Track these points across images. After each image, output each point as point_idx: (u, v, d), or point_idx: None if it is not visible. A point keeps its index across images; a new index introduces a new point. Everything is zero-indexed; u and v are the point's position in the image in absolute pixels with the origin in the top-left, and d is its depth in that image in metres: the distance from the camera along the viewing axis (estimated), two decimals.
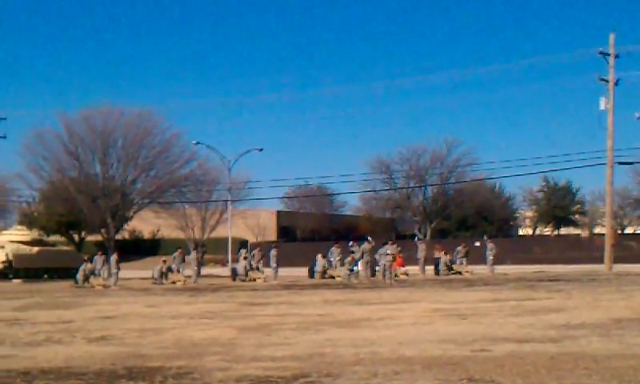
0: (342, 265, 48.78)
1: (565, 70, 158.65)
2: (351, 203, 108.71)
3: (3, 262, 53.48)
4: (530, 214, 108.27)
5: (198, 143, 71.10)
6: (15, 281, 51.66)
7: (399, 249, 50.03)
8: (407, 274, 48.24)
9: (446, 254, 52.37)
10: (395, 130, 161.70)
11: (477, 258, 54.57)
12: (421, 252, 51.78)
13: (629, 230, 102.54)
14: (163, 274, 46.78)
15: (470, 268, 51.12)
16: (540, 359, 12.41)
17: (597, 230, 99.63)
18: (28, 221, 76.82)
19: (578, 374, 11.07)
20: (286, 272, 52.59)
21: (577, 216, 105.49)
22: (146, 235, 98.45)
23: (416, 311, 22.60)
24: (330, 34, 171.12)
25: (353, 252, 49.16)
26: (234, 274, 49.88)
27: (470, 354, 13.16)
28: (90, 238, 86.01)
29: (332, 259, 50.96)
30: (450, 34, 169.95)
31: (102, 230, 66.78)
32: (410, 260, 52.92)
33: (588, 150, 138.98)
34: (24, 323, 20.93)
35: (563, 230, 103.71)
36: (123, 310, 25.28)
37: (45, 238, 64.06)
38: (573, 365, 11.81)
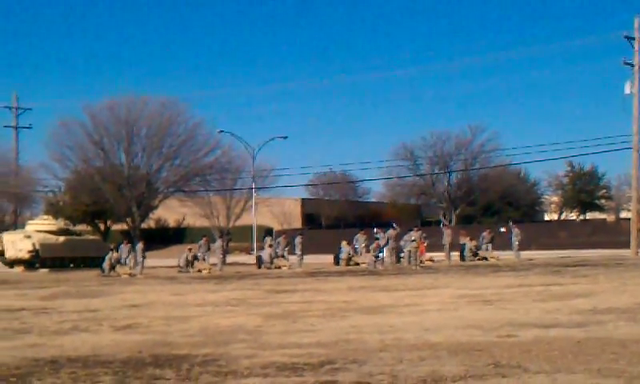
0: (368, 251, 48.78)
1: (590, 55, 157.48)
2: (376, 190, 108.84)
3: (30, 252, 53.71)
4: (555, 199, 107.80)
5: (222, 131, 71.21)
6: (42, 270, 51.90)
7: (424, 235, 50.00)
8: (433, 260, 48.19)
9: (471, 239, 52.28)
10: (419, 117, 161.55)
11: (502, 243, 54.46)
12: (446, 238, 51.68)
13: None
14: (189, 263, 46.87)
15: (495, 254, 51.02)
16: (567, 344, 12.36)
17: (623, 215, 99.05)
18: (54, 210, 77.14)
19: (605, 358, 11.02)
20: (311, 259, 52.61)
21: (602, 201, 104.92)
22: (172, 224, 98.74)
23: (441, 297, 22.56)
24: (354, 21, 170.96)
25: (378, 239, 49.12)
26: (260, 261, 49.95)
27: (496, 340, 13.13)
28: (116, 226, 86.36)
29: (357, 246, 50.98)
30: (474, 19, 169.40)
31: (128, 219, 67.06)
32: (436, 246, 52.85)
33: (613, 135, 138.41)
34: (51, 312, 21.02)
35: (589, 215, 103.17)
36: (149, 299, 25.36)
37: (71, 227, 64.20)
38: (600, 350, 11.76)
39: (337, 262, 50.23)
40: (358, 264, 48.70)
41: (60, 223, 60.45)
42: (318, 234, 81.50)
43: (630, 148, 56.26)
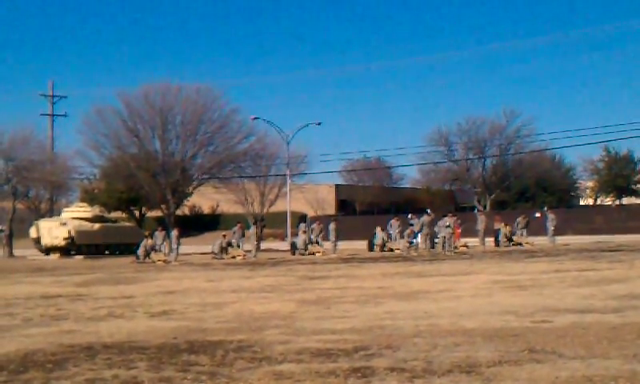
0: (402, 237, 48.74)
1: (626, 38, 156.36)
2: (410, 176, 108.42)
3: (66, 239, 54.13)
4: (590, 184, 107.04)
5: (256, 118, 71.23)
6: (77, 257, 52.29)
7: (459, 221, 49.86)
8: (467, 246, 48.04)
9: (505, 225, 52.05)
10: (454, 102, 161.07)
11: (537, 228, 54.18)
12: (480, 223, 51.48)
13: None
14: (223, 249, 47.02)
15: (530, 239, 50.78)
16: (602, 330, 12.30)
17: None
18: (89, 198, 77.63)
19: None
20: (345, 245, 52.63)
21: (639, 185, 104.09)
22: (206, 210, 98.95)
23: (476, 283, 22.51)
24: (390, 4, 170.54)
25: (412, 224, 49.07)
26: (293, 247, 50.01)
27: (530, 326, 13.08)
28: (151, 213, 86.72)
29: (391, 232, 50.94)
30: (510, 3, 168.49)
31: (162, 206, 67.20)
32: (470, 232, 52.70)
33: None
34: (86, 298, 21.17)
35: (625, 200, 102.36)
36: (184, 285, 25.48)
37: (106, 214, 64.67)
38: (635, 335, 11.70)
39: (371, 248, 50.22)
40: (392, 250, 48.66)
41: (95, 210, 60.86)
42: (352, 220, 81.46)
43: None
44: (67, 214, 57.99)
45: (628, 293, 17.87)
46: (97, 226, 56.41)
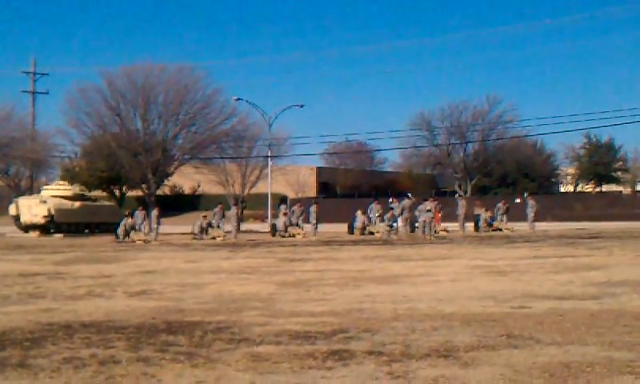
0: (382, 221, 48.79)
1: (609, 26, 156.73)
2: (391, 159, 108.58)
3: (45, 217, 53.95)
4: (571, 170, 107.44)
5: (238, 99, 71.14)
6: (57, 235, 52.13)
7: (439, 206, 49.93)
8: (447, 231, 48.13)
9: (486, 210, 52.15)
10: (437, 87, 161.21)
11: (517, 214, 54.32)
12: (461, 208, 51.55)
13: None
14: (203, 230, 46.98)
15: (510, 225, 50.92)
16: (580, 316, 12.35)
17: (639, 188, 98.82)
18: (70, 176, 77.31)
19: (619, 331, 11.01)
20: (326, 228, 52.66)
21: (619, 173, 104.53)
22: (187, 191, 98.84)
23: (455, 268, 22.56)
24: None
25: (392, 208, 49.10)
26: (274, 229, 49.99)
27: (509, 311, 13.12)
28: (131, 193, 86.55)
29: (372, 215, 50.95)
30: None
31: (143, 186, 67.04)
32: (450, 217, 52.80)
33: (631, 107, 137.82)
34: (65, 277, 21.12)
35: (605, 187, 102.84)
36: (163, 265, 25.45)
37: (86, 193, 64.39)
38: (613, 322, 11.75)
39: (351, 231, 50.25)
40: (372, 233, 48.71)
41: (75, 189, 60.65)
42: (333, 202, 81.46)
43: None
44: (47, 191, 57.80)
45: (606, 280, 17.95)
46: (77, 204, 56.24)
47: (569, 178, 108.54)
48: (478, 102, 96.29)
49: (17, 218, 55.40)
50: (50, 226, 54.02)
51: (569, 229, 50.89)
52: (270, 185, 70.28)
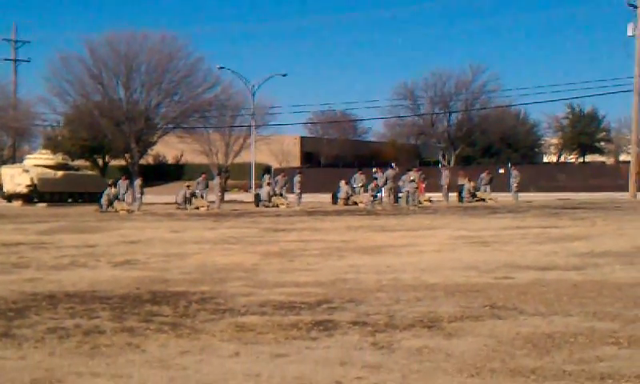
0: (366, 191, 48.82)
1: None
2: (375, 129, 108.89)
3: (28, 186, 53.76)
4: (554, 141, 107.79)
5: (221, 68, 70.99)
6: (40, 205, 51.98)
7: (423, 176, 50.01)
8: (431, 201, 48.18)
9: (469, 180, 52.19)
10: (420, 56, 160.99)
11: (501, 185, 54.42)
12: (444, 179, 51.59)
13: None
14: (187, 199, 46.88)
15: (493, 195, 50.99)
16: (563, 287, 12.41)
17: (622, 158, 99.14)
18: (52, 145, 77.03)
19: (601, 301, 11.07)
20: (310, 198, 52.69)
21: (602, 143, 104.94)
22: (170, 160, 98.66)
23: (439, 238, 22.62)
24: None
25: (376, 178, 49.12)
26: (258, 199, 49.96)
27: (492, 282, 13.17)
28: (114, 162, 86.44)
29: (355, 185, 50.97)
30: None
31: (126, 155, 66.92)
32: (434, 187, 52.88)
33: (614, 77, 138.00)
34: (49, 247, 21.09)
35: (588, 158, 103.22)
36: (147, 235, 25.42)
37: (69, 162, 64.18)
38: (596, 293, 11.81)
39: (335, 201, 50.27)
40: (356, 203, 48.73)
41: (58, 158, 60.39)
42: (317, 172, 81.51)
43: (631, 90, 56.14)
44: (30, 161, 57.56)
45: (589, 250, 18.03)
46: (60, 173, 56.03)
47: (552, 148, 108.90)
48: (462, 71, 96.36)
49: None
50: (32, 196, 53.82)
51: (552, 199, 51.04)
52: (254, 154, 70.27)
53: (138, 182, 47.58)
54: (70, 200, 55.83)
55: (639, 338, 8.63)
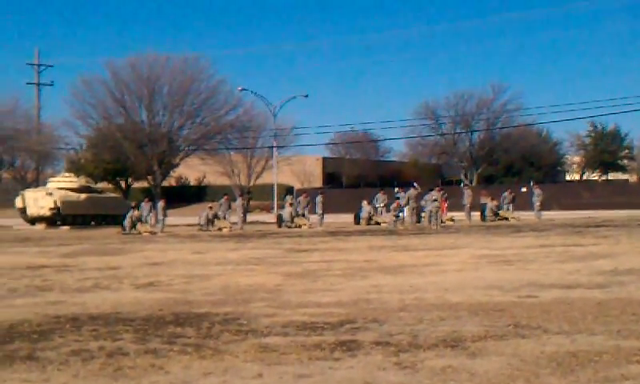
0: (388, 211, 48.78)
1: (615, 14, 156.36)
2: (397, 149, 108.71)
3: (51, 209, 54.01)
4: (577, 159, 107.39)
5: (243, 90, 71.25)
6: (63, 227, 52.22)
7: (445, 195, 49.93)
8: (453, 220, 48.10)
9: (492, 199, 52.08)
10: (442, 76, 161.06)
11: (523, 203, 54.30)
12: (467, 198, 51.50)
13: None
14: (209, 221, 46.98)
15: (516, 214, 50.88)
16: (587, 305, 12.34)
17: None
18: (75, 168, 77.45)
19: (626, 319, 11.00)
20: (332, 218, 52.66)
21: (625, 161, 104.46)
22: (192, 182, 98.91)
23: (462, 257, 22.54)
24: None
25: (398, 198, 49.08)
26: (280, 220, 50.00)
27: (516, 300, 13.12)
28: (137, 184, 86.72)
29: (378, 205, 50.98)
30: None
31: (149, 177, 67.25)
32: (456, 206, 52.77)
33: (637, 95, 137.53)
34: (72, 269, 21.14)
35: (611, 176, 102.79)
36: (170, 257, 25.46)
37: (92, 184, 64.53)
38: (620, 311, 11.73)
39: (357, 221, 50.26)
40: (378, 223, 48.72)
41: (81, 180, 60.77)
42: (339, 193, 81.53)
43: None
44: (53, 184, 57.86)
45: (613, 268, 17.93)
46: (83, 196, 56.29)
47: (575, 166, 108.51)
48: (483, 90, 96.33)
49: (23, 210, 55.47)
50: (56, 219, 54.09)
51: (575, 217, 50.83)
52: (276, 175, 70.35)
53: (160, 203, 47.71)
54: (93, 222, 56.06)
55: None
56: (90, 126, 71.33)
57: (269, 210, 74.24)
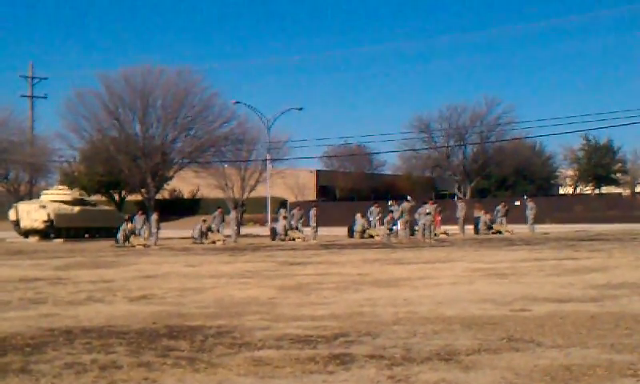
0: (382, 224, 48.81)
1: (607, 27, 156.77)
2: (391, 162, 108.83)
3: (45, 222, 53.91)
4: (570, 172, 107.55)
5: (237, 102, 71.36)
6: (56, 240, 52.13)
7: (439, 208, 49.97)
8: (447, 234, 48.15)
9: (485, 213, 52.17)
10: (435, 89, 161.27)
11: (517, 217, 54.39)
12: (460, 211, 51.58)
13: None
14: (203, 234, 46.96)
15: (509, 227, 50.93)
16: (580, 319, 12.35)
17: (638, 189, 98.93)
18: (69, 180, 77.39)
19: (619, 333, 11.01)
20: (326, 231, 52.67)
21: (618, 175, 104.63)
22: (186, 195, 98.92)
23: (455, 271, 22.55)
24: None
25: (392, 211, 49.14)
26: (274, 233, 50.00)
27: (509, 314, 13.12)
28: (131, 197, 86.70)
29: (371, 218, 51.02)
30: None
31: (142, 190, 67.12)
32: (450, 219, 52.81)
33: (630, 108, 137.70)
34: (66, 282, 21.10)
35: (604, 189, 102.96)
36: (163, 270, 25.42)
37: (86, 197, 64.39)
38: (613, 324, 11.75)
39: (351, 234, 50.30)
40: (372, 236, 48.76)
41: (75, 193, 60.61)
42: (333, 206, 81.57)
43: None
44: (47, 196, 57.73)
45: (606, 282, 17.95)
46: (76, 209, 56.19)
47: (568, 179, 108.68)
48: (477, 103, 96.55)
49: (16, 223, 55.35)
50: (49, 231, 53.98)
51: (568, 231, 50.90)
52: (270, 188, 70.33)
53: (154, 216, 47.68)
54: (86, 235, 55.97)
55: None
56: (83, 138, 71.19)
57: (262, 222, 74.23)
